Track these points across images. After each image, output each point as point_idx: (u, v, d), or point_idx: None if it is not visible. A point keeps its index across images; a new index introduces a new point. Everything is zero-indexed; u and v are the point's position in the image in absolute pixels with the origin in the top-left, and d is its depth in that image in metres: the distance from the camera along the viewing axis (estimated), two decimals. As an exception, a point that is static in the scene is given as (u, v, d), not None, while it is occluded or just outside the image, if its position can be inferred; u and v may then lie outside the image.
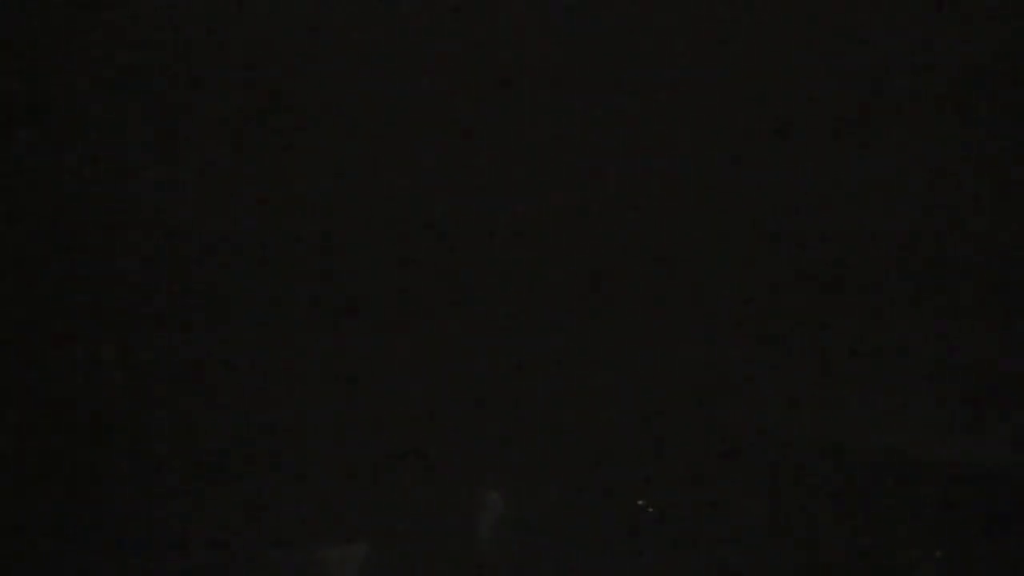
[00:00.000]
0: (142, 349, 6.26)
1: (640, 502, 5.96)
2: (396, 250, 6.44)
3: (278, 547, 5.96)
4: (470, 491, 6.10)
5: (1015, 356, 6.02)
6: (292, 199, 6.47)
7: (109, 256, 6.31)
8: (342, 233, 6.50)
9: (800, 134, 6.38)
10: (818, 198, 6.31)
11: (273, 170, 6.45)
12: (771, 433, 6.04)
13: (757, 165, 6.36)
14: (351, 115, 6.54)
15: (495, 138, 6.50)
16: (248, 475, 6.15)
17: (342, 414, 6.29)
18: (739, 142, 6.39)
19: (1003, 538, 5.69)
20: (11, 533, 5.96)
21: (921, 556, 5.73)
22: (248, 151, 6.41)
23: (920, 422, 6.00)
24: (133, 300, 6.29)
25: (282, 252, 6.49)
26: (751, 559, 5.86)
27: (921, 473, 5.87)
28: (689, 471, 5.99)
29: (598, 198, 6.48)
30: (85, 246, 6.33)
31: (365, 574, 5.89)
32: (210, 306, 6.38)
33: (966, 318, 6.05)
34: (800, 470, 5.93)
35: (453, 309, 6.45)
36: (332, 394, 6.33)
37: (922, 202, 6.18)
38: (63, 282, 6.30)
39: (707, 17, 6.46)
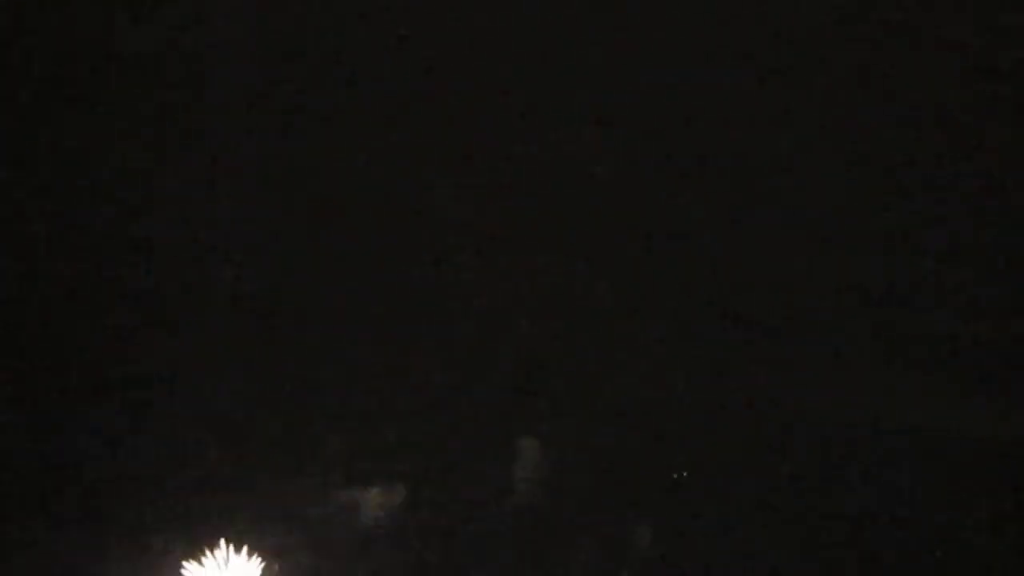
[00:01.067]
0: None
1: (675, 475, 6.12)
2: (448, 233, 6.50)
3: (324, 487, 6.14)
4: (505, 439, 6.31)
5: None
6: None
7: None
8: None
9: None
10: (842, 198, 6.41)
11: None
12: (813, 417, 6.17)
13: (778, 169, 6.42)
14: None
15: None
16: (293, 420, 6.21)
17: (387, 366, 6.43)
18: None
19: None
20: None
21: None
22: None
23: (950, 400, 6.17)
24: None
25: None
26: (788, 531, 6.00)
27: (955, 447, 6.05)
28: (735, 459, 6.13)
29: (634, 199, 6.52)
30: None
31: (404, 513, 6.11)
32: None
33: (990, 304, 6.21)
34: (839, 449, 6.09)
35: (497, 291, 6.55)
36: (379, 346, 6.44)
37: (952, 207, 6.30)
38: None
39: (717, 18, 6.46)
